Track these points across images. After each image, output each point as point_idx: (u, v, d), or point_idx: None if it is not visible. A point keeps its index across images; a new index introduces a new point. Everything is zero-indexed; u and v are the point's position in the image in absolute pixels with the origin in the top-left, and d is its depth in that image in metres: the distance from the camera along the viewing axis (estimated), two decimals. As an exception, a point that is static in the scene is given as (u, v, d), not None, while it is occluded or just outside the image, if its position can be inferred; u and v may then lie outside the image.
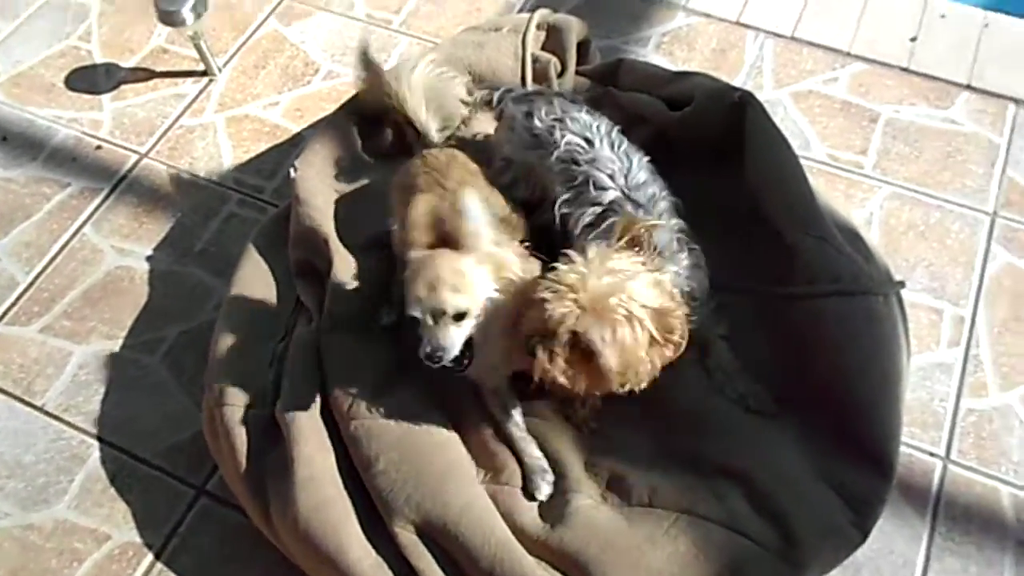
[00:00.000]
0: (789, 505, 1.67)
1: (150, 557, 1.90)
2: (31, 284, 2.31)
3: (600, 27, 2.66)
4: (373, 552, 1.71)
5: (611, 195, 1.79)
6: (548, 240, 1.88)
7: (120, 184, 2.49)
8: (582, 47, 2.44)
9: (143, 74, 2.73)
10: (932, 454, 1.95)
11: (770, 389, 1.86)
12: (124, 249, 2.36)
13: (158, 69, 2.74)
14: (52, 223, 2.42)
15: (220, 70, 2.70)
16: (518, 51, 2.36)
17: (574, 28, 2.40)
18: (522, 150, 1.97)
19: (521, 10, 2.78)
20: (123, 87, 2.70)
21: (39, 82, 2.72)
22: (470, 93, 2.23)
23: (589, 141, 1.86)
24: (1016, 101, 2.50)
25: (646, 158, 1.88)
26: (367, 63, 2.19)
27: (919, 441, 1.96)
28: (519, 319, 1.58)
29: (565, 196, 1.84)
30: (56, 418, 2.10)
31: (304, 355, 1.94)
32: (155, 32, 2.82)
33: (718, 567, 1.62)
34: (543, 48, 2.41)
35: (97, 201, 2.46)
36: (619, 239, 1.57)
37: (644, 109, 2.18)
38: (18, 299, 2.29)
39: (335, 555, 1.69)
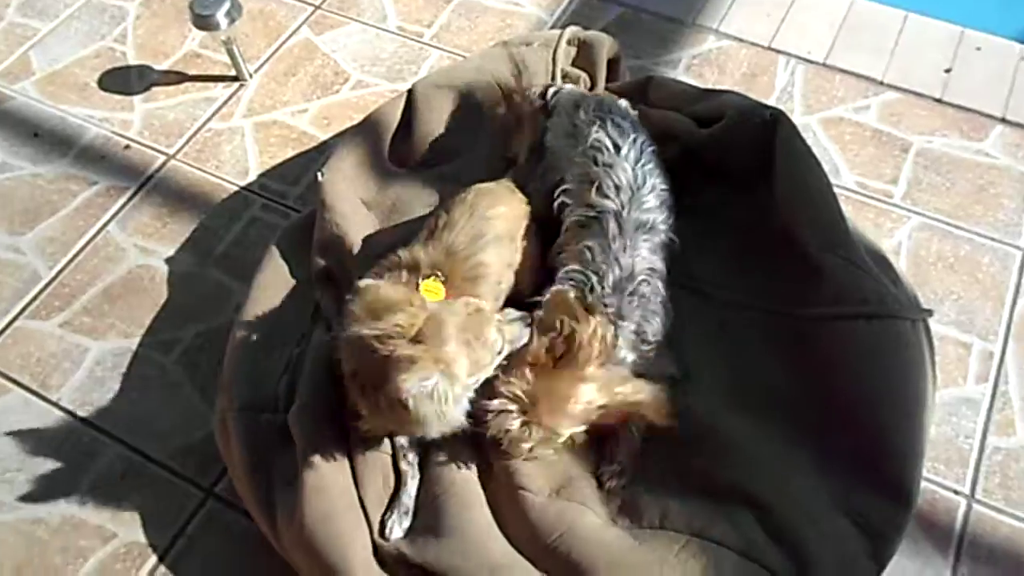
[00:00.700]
0: (804, 534, 1.63)
1: (154, 558, 1.89)
2: (53, 279, 2.32)
3: (630, 48, 2.65)
4: (376, 567, 1.68)
5: (608, 205, 1.79)
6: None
7: (146, 184, 2.51)
8: (612, 64, 2.44)
9: (175, 77, 2.75)
10: (956, 492, 1.89)
11: (787, 412, 1.82)
12: (147, 248, 2.37)
13: (190, 72, 2.76)
14: (78, 220, 2.43)
15: (251, 76, 2.72)
16: (548, 66, 2.36)
17: (605, 45, 2.40)
18: (561, 137, 1.99)
19: (552, 27, 2.78)
20: (154, 89, 2.73)
21: (73, 81, 2.76)
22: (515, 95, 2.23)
23: (616, 146, 1.86)
24: (1052, 136, 2.46)
25: (665, 186, 1.85)
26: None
27: (943, 478, 1.91)
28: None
29: (568, 186, 1.85)
30: (70, 413, 2.10)
31: (319, 363, 1.92)
32: (189, 36, 2.85)
33: (729, 593, 1.58)
34: (573, 64, 2.40)
35: (123, 200, 2.47)
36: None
37: (673, 126, 2.16)
38: (40, 293, 2.30)
39: (337, 567, 1.66)
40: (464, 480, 1.77)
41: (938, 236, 2.29)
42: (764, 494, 1.69)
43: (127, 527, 1.93)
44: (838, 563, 1.63)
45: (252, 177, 2.50)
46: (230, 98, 2.69)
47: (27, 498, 1.97)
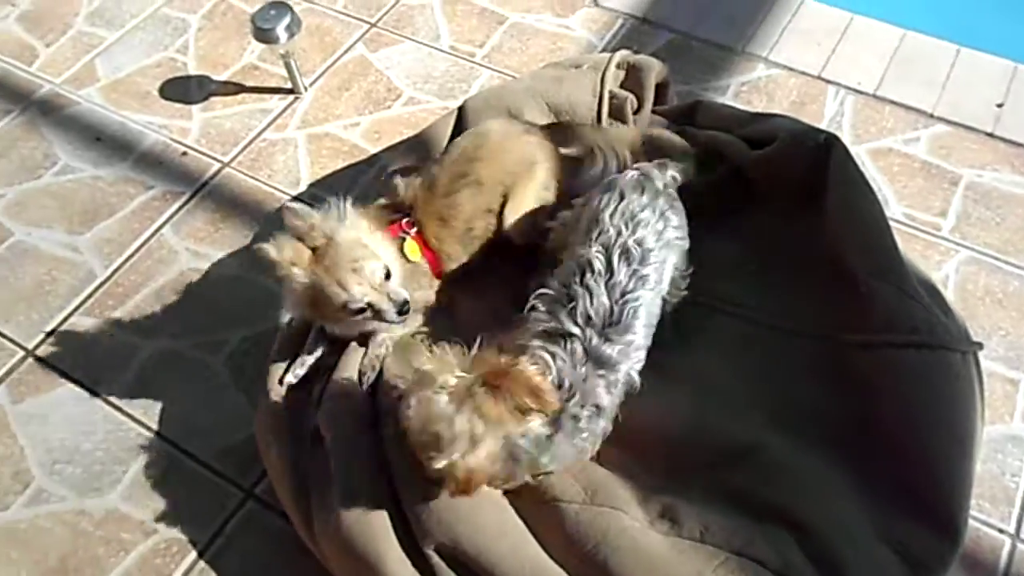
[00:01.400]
0: (844, 559, 1.61)
1: (194, 554, 1.92)
2: (108, 278, 2.39)
3: (679, 73, 2.67)
4: (410, 566, 1.70)
5: (568, 325, 1.68)
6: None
7: (201, 190, 2.57)
8: (661, 88, 2.45)
9: (233, 88, 2.83)
10: (1001, 531, 1.86)
11: (830, 436, 1.80)
12: (198, 252, 2.43)
13: (247, 84, 2.84)
14: (134, 222, 2.51)
15: (306, 89, 2.79)
16: (596, 87, 2.39)
17: (654, 68, 2.42)
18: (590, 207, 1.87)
19: (602, 51, 2.81)
20: (213, 99, 2.81)
21: (135, 89, 2.85)
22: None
23: (610, 267, 1.73)
24: (1107, 174, 2.43)
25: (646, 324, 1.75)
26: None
27: (988, 516, 1.87)
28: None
29: (547, 291, 1.77)
30: (117, 409, 2.15)
31: (350, 367, 1.96)
32: (248, 49, 2.93)
33: (766, 614, 1.57)
34: (621, 86, 2.42)
35: (178, 204, 2.54)
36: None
37: (723, 147, 2.17)
38: (95, 291, 2.37)
39: (374, 567, 1.68)
40: (492, 492, 1.78)
41: (986, 271, 2.27)
42: (805, 516, 1.67)
43: (168, 523, 1.97)
44: (878, 589, 1.61)
45: (303, 187, 2.55)
46: (285, 110, 2.76)
47: (74, 490, 2.03)
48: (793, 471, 1.74)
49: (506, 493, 1.78)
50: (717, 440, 1.79)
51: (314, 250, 1.83)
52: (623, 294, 1.71)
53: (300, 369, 1.99)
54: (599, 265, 1.72)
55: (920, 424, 1.72)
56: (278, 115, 2.75)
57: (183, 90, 2.84)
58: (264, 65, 2.89)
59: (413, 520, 1.71)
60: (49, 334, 2.29)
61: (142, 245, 2.46)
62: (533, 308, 1.75)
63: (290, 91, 2.80)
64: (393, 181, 2.07)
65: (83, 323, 2.31)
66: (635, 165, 1.94)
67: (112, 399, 2.17)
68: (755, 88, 2.71)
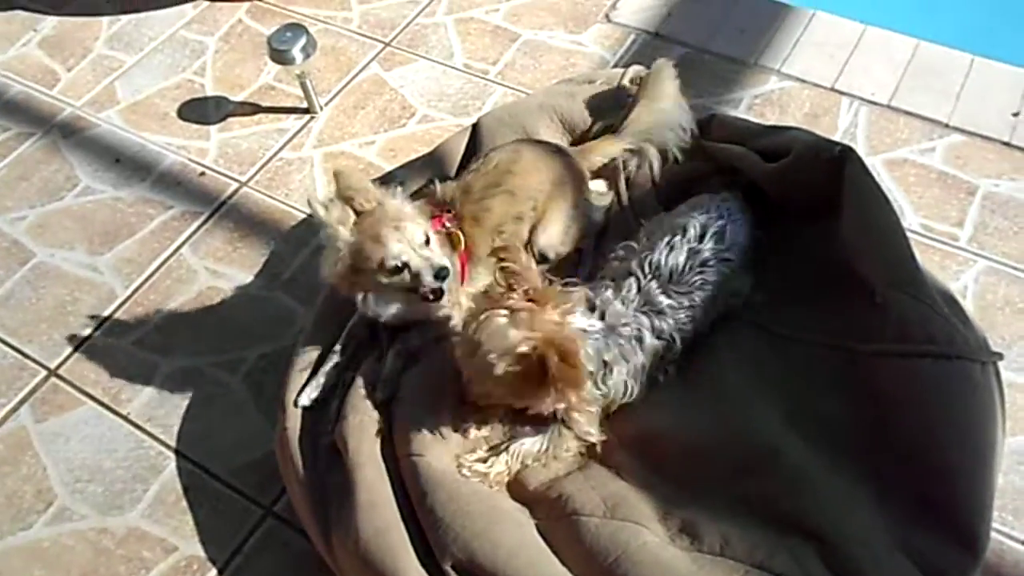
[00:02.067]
0: (866, 572, 1.59)
1: (214, 572, 1.93)
2: (128, 298, 2.42)
3: (691, 87, 2.66)
4: None
5: (634, 267, 1.89)
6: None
7: (219, 210, 2.61)
8: (674, 103, 2.46)
9: (249, 108, 2.87)
10: (1024, 543, 1.84)
11: (847, 446, 1.80)
12: (217, 271, 2.45)
13: (264, 104, 2.88)
14: (153, 242, 2.54)
15: (322, 108, 2.82)
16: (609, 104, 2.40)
17: (667, 84, 2.42)
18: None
19: (615, 67, 2.83)
20: (230, 119, 2.85)
21: (154, 110, 2.89)
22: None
23: (701, 238, 1.93)
24: None
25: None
26: None
27: (1011, 529, 1.85)
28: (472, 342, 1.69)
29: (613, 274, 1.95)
30: (138, 427, 2.17)
31: (370, 385, 1.97)
32: (264, 70, 2.97)
33: (788, 627, 1.56)
34: (635, 102, 2.43)
35: (196, 224, 2.57)
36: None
37: (737, 160, 2.17)
38: (115, 311, 2.40)
39: (393, 581, 1.68)
40: (509, 507, 1.79)
41: (1005, 280, 2.25)
42: (825, 528, 1.66)
43: (188, 541, 1.98)
44: (899, 606, 1.59)
45: (320, 206, 2.57)
46: (301, 129, 2.79)
47: (95, 508, 2.05)
48: (812, 482, 1.73)
49: (529, 509, 1.80)
50: (736, 450, 1.79)
51: (360, 215, 1.88)
52: (702, 264, 1.90)
53: (314, 392, 2.01)
54: (693, 232, 1.91)
55: (939, 435, 1.71)
56: (294, 135, 2.78)
57: (201, 111, 2.88)
58: (280, 85, 2.92)
59: (431, 536, 1.71)
60: (71, 354, 2.32)
61: (161, 265, 2.49)
62: (613, 253, 1.95)
63: (306, 111, 2.83)
64: (431, 186, 2.15)
65: (104, 342, 2.34)
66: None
67: (133, 417, 2.19)
68: (768, 101, 2.71)
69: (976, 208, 2.40)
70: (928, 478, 1.69)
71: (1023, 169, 2.47)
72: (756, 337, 1.96)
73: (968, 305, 2.17)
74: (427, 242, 1.90)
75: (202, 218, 2.59)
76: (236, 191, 2.65)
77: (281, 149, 2.74)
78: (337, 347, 2.07)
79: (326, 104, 2.85)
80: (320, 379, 2.02)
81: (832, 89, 2.72)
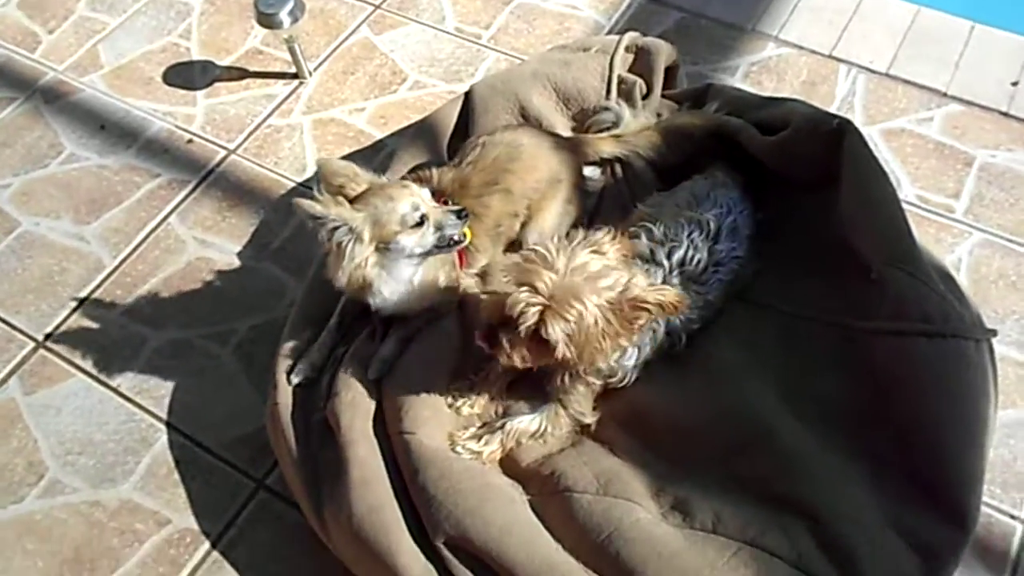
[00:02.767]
0: (857, 548, 1.61)
1: (207, 545, 1.93)
2: (116, 268, 2.39)
3: (688, 54, 2.64)
4: (422, 558, 1.71)
5: (663, 259, 1.86)
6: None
7: (207, 178, 2.56)
8: (670, 71, 2.43)
9: (237, 73, 2.81)
10: (1013, 516, 1.85)
11: (841, 424, 1.80)
12: (206, 241, 2.42)
13: (251, 69, 2.82)
14: (140, 211, 2.50)
15: (311, 74, 2.77)
16: (604, 72, 2.36)
17: (663, 51, 2.39)
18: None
19: (610, 32, 2.78)
20: (217, 84, 2.78)
21: (139, 75, 2.83)
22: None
23: (718, 235, 1.92)
24: (1123, 153, 2.39)
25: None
26: None
27: (999, 502, 1.87)
28: (480, 304, 1.68)
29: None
30: (129, 400, 2.16)
31: (362, 362, 1.96)
32: (251, 33, 2.90)
33: (779, 605, 1.57)
34: (630, 70, 2.40)
35: (184, 193, 2.53)
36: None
37: (734, 132, 2.13)
38: (103, 282, 2.37)
39: (387, 558, 1.69)
40: (501, 483, 1.79)
41: (999, 253, 2.24)
42: (817, 505, 1.67)
43: (181, 513, 1.98)
44: (890, 579, 1.61)
45: (310, 174, 2.53)
46: (290, 95, 2.74)
47: (87, 481, 2.04)
48: (805, 459, 1.73)
49: (522, 486, 1.80)
50: (729, 428, 1.79)
51: (353, 200, 1.82)
52: (716, 264, 1.89)
53: (307, 369, 1.99)
54: (711, 228, 1.89)
55: (932, 413, 1.71)
56: (283, 100, 2.72)
57: (187, 76, 2.81)
58: (268, 49, 2.86)
59: (423, 514, 1.71)
60: (59, 324, 2.29)
61: (149, 234, 2.45)
62: (634, 235, 1.88)
63: (294, 76, 2.77)
64: (427, 170, 2.08)
65: (92, 313, 2.31)
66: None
67: (123, 389, 2.17)
68: (765, 68, 2.67)
69: (973, 179, 2.39)
70: (920, 456, 1.70)
71: (1021, 140, 2.45)
72: (752, 314, 1.95)
73: (962, 278, 2.17)
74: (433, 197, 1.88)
75: (190, 187, 2.55)
76: (224, 159, 2.60)
77: (269, 116, 2.69)
78: (332, 323, 2.04)
79: (315, 69, 2.79)
80: (313, 356, 2.00)
81: (830, 56, 2.68)
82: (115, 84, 2.81)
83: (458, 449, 1.81)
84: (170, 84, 2.80)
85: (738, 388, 1.83)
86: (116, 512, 1.99)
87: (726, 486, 1.72)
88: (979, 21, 2.71)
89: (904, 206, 2.23)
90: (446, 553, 1.68)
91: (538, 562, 1.62)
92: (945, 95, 2.56)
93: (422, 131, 2.35)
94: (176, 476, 2.03)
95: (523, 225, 2.12)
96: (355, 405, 1.87)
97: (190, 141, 2.65)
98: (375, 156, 2.54)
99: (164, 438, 2.09)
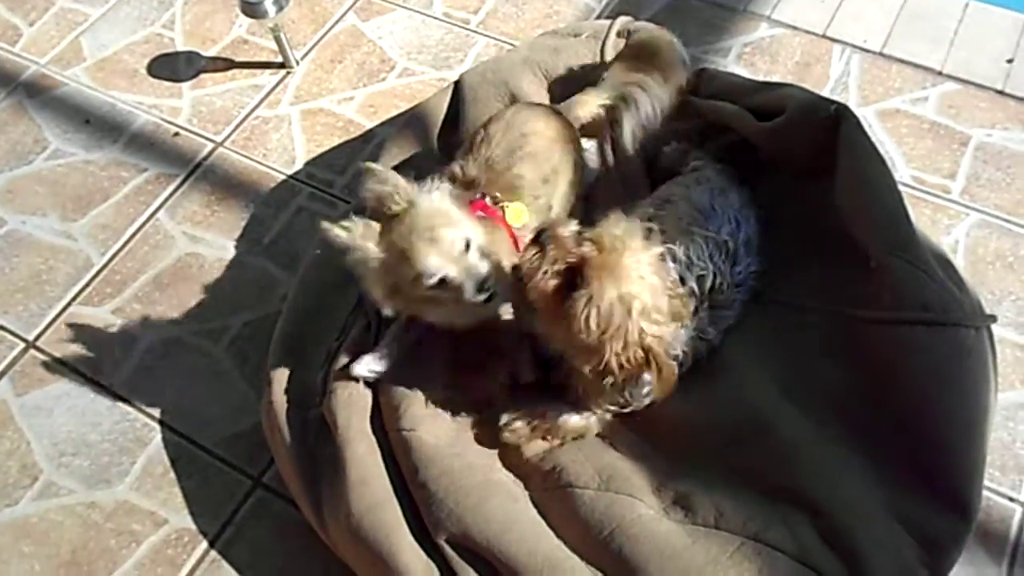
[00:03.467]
0: (859, 540, 1.60)
1: (204, 544, 1.92)
2: (105, 266, 2.36)
3: (680, 36, 2.55)
4: (423, 555, 1.70)
5: (693, 285, 1.77)
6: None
7: (195, 172, 2.53)
8: (663, 56, 2.39)
9: (222, 63, 2.76)
10: (1012, 499, 1.85)
11: (842, 415, 1.79)
12: (196, 236, 2.39)
13: (237, 59, 2.77)
14: (128, 207, 2.47)
15: (298, 63, 2.72)
16: (596, 58, 2.33)
17: (655, 36, 2.35)
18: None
19: (600, 15, 2.74)
20: (203, 76, 2.74)
21: (122, 67, 2.78)
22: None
23: (737, 254, 1.86)
24: (1120, 130, 2.37)
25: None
26: None
27: (998, 484, 1.87)
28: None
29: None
30: (122, 399, 2.14)
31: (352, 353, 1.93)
32: (236, 23, 2.85)
33: (783, 599, 1.57)
34: (622, 55, 2.36)
35: (172, 187, 2.50)
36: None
37: (728, 118, 2.11)
38: (92, 280, 2.34)
39: (387, 557, 1.68)
40: (503, 479, 1.78)
41: (997, 234, 2.23)
42: (819, 497, 1.67)
43: (178, 513, 1.97)
44: (893, 570, 1.60)
45: (299, 165, 2.51)
46: (277, 85, 2.70)
47: (82, 482, 2.02)
48: (806, 451, 1.72)
49: (523, 482, 1.79)
50: (730, 421, 1.78)
51: (391, 218, 1.68)
52: (738, 284, 1.85)
53: (380, 363, 1.90)
54: (730, 249, 1.83)
55: (933, 403, 1.70)
56: (270, 91, 2.68)
57: (172, 67, 2.77)
58: (253, 39, 2.81)
59: (424, 512, 1.70)
60: (49, 324, 2.27)
61: (138, 230, 2.42)
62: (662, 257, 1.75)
63: (281, 65, 2.73)
64: (449, 168, 1.97)
65: (83, 312, 2.29)
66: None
67: (116, 389, 2.15)
68: (758, 49, 2.64)
69: (968, 159, 2.37)
70: (921, 446, 1.69)
71: (1017, 118, 2.43)
72: (752, 305, 1.93)
73: (959, 260, 2.16)
74: (467, 247, 1.67)
75: (178, 181, 2.51)
76: (212, 152, 2.57)
77: (257, 107, 2.65)
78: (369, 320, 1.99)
79: (302, 58, 2.75)
80: (375, 364, 1.91)
81: (824, 36, 2.65)
82: (99, 77, 2.76)
83: (506, 434, 1.76)
84: (155, 76, 2.76)
85: (737, 380, 1.82)
86: (112, 513, 1.97)
87: (727, 480, 1.71)
88: (973, -2, 2.68)
89: (900, 188, 2.21)
90: (448, 551, 1.67)
91: (540, 559, 1.62)
92: (940, 74, 2.54)
93: (412, 120, 2.31)
94: (172, 475, 2.02)
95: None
96: (351, 402, 1.85)
97: (177, 134, 2.61)
98: (365, 146, 2.51)
99: (159, 437, 2.07)
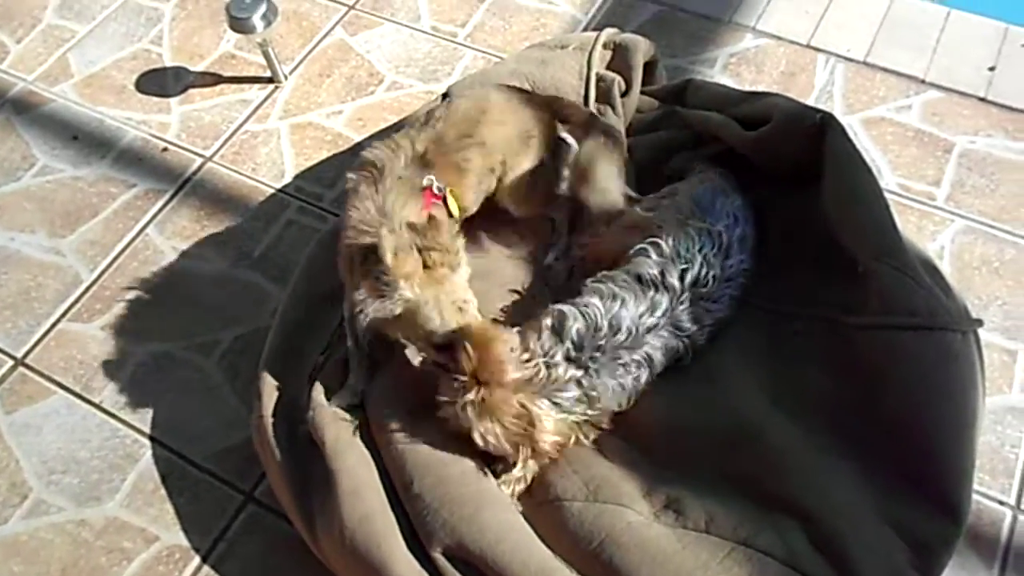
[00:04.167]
0: (849, 545, 1.61)
1: (196, 560, 1.91)
2: (94, 282, 2.35)
3: (666, 47, 2.63)
4: (418, 567, 1.69)
5: (674, 281, 1.81)
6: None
7: (184, 187, 2.52)
8: (649, 67, 2.41)
9: (211, 79, 2.77)
10: (1001, 502, 1.87)
11: (831, 420, 1.80)
12: (185, 251, 2.39)
13: (225, 74, 2.77)
14: (117, 222, 2.46)
15: (286, 77, 2.73)
16: (583, 70, 2.34)
17: (641, 48, 2.37)
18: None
19: (587, 27, 2.76)
20: (191, 91, 2.74)
21: (110, 83, 2.78)
22: None
23: (730, 248, 1.88)
24: (1101, 136, 2.40)
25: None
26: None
27: (988, 488, 1.88)
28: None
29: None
30: (112, 416, 2.12)
31: (343, 370, 1.95)
32: (224, 38, 2.86)
33: (773, 605, 1.57)
34: (608, 67, 2.38)
35: (161, 202, 2.49)
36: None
37: (715, 128, 2.13)
38: (81, 296, 2.33)
39: (381, 569, 1.67)
40: (495, 489, 1.77)
41: (982, 239, 2.25)
42: (809, 502, 1.67)
43: (169, 530, 1.95)
44: (883, 575, 1.61)
45: (288, 179, 2.51)
46: (265, 100, 2.70)
47: (72, 499, 2.01)
48: (796, 456, 1.73)
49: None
50: (720, 427, 1.78)
51: (427, 269, 1.75)
52: (728, 278, 1.85)
53: (353, 398, 1.94)
54: (723, 242, 1.85)
55: (920, 407, 1.71)
56: (259, 105, 2.69)
57: (160, 83, 2.77)
58: (241, 54, 2.82)
59: (417, 523, 1.70)
60: (38, 341, 2.26)
61: (127, 246, 2.41)
62: (642, 252, 1.83)
63: (269, 80, 2.73)
64: (395, 135, 2.02)
65: (72, 329, 2.28)
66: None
67: (106, 405, 2.14)
68: (744, 59, 2.66)
69: (953, 166, 2.39)
70: (910, 450, 1.70)
71: (999, 125, 2.46)
72: (741, 311, 1.94)
73: (945, 266, 2.18)
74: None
75: (167, 196, 2.51)
76: (201, 167, 2.57)
77: (246, 121, 2.65)
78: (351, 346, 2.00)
79: (290, 72, 2.75)
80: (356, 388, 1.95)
81: (808, 46, 2.68)
82: (86, 93, 2.76)
83: (504, 488, 1.76)
84: (143, 92, 2.76)
85: (726, 386, 1.83)
86: (103, 530, 1.96)
87: (718, 486, 1.72)
88: (954, 7, 2.71)
89: (886, 195, 2.24)
90: (442, 562, 1.67)
91: (534, 569, 1.61)
92: (923, 82, 2.57)
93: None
94: (163, 492, 2.01)
95: (498, 181, 2.07)
96: (337, 417, 1.85)
97: (165, 149, 2.61)
98: (354, 159, 2.46)
99: (149, 453, 2.06)
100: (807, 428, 1.77)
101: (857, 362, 1.80)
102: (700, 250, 1.82)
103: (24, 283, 2.36)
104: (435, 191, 1.91)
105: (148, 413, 2.12)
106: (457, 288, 1.78)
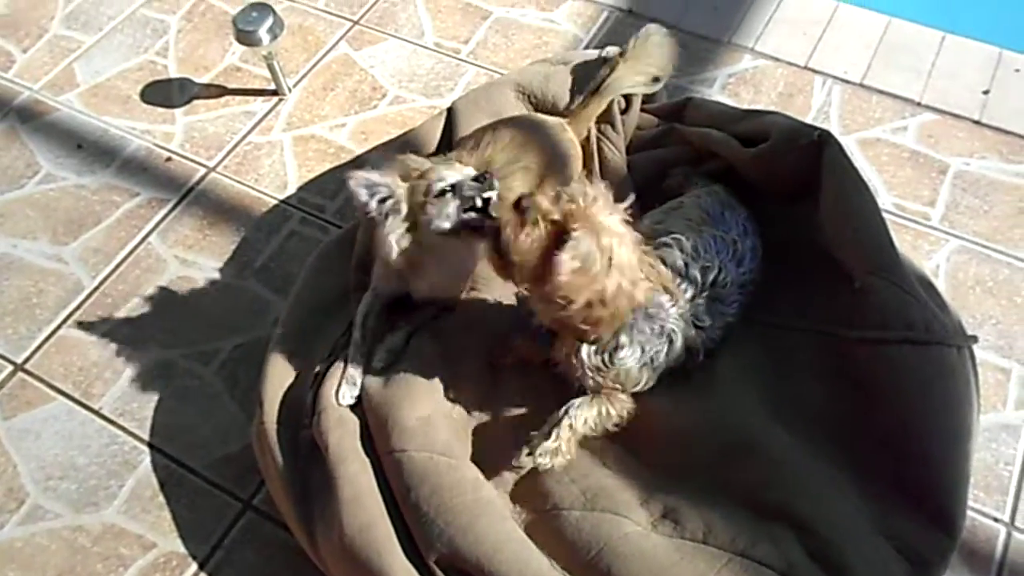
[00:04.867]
0: (846, 556, 1.62)
1: (194, 567, 1.91)
2: (96, 289, 2.36)
3: (666, 66, 2.66)
4: (416, 574, 1.70)
5: (696, 274, 1.85)
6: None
7: (187, 196, 2.54)
8: (649, 85, 2.44)
9: (215, 90, 2.79)
10: (996, 519, 1.88)
11: (828, 433, 1.82)
12: (187, 260, 2.40)
13: (230, 86, 2.80)
14: (120, 230, 2.48)
15: (290, 90, 2.76)
16: (585, 85, 2.37)
17: (642, 65, 2.40)
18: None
19: (588, 46, 2.80)
20: (196, 102, 2.77)
21: (116, 93, 2.81)
22: None
23: (743, 258, 1.92)
24: (1093, 159, 2.44)
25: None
26: None
27: (982, 505, 1.89)
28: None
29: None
30: (111, 422, 2.13)
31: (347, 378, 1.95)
32: (230, 50, 2.89)
33: (769, 615, 1.58)
34: (610, 84, 2.41)
35: (164, 212, 2.51)
36: None
37: (715, 145, 2.16)
38: (83, 303, 2.34)
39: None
40: (492, 497, 1.78)
41: (976, 259, 2.28)
42: (806, 514, 1.69)
43: (167, 537, 1.95)
44: (881, 590, 1.63)
45: (291, 191, 2.53)
46: (269, 112, 2.73)
47: (70, 506, 2.01)
48: (793, 468, 1.75)
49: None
50: (718, 438, 1.80)
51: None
52: (741, 284, 1.90)
53: (354, 389, 1.96)
54: (738, 250, 1.89)
55: (917, 421, 1.74)
56: (263, 117, 2.71)
57: (165, 94, 2.80)
58: (246, 66, 2.85)
59: (415, 532, 1.71)
60: (38, 347, 2.26)
61: (129, 254, 2.43)
62: (664, 245, 1.87)
63: (274, 92, 2.76)
64: (448, 155, 2.11)
65: (72, 335, 2.28)
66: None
67: (105, 412, 2.15)
68: (742, 80, 2.70)
69: (947, 187, 2.43)
70: (906, 464, 1.72)
71: (993, 147, 2.50)
72: (740, 324, 1.97)
73: (940, 285, 2.20)
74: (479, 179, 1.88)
75: (170, 205, 2.53)
76: (204, 177, 2.59)
77: (249, 133, 2.68)
78: (356, 336, 2.03)
79: (295, 85, 2.78)
80: (355, 376, 1.98)
81: (805, 67, 2.72)
82: (92, 103, 2.79)
83: (539, 459, 1.74)
84: (148, 102, 2.78)
85: (725, 398, 1.84)
86: (100, 537, 1.96)
87: (716, 496, 1.73)
88: (950, 31, 2.76)
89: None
90: (439, 572, 1.67)
91: None
92: (919, 104, 2.61)
93: (404, 147, 2.34)
94: (161, 499, 2.01)
95: None
96: (343, 422, 1.86)
97: (169, 159, 2.63)
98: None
99: (148, 460, 2.07)
100: (804, 440, 1.79)
101: (854, 375, 1.82)
102: (717, 254, 1.87)
103: (25, 289, 2.37)
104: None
105: (147, 420, 2.13)
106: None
